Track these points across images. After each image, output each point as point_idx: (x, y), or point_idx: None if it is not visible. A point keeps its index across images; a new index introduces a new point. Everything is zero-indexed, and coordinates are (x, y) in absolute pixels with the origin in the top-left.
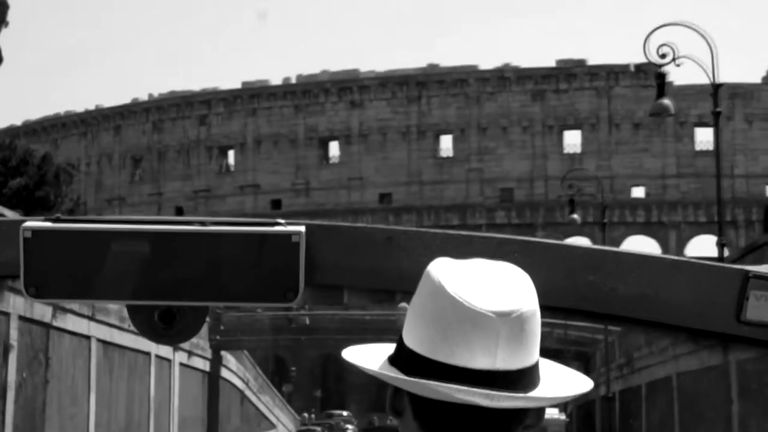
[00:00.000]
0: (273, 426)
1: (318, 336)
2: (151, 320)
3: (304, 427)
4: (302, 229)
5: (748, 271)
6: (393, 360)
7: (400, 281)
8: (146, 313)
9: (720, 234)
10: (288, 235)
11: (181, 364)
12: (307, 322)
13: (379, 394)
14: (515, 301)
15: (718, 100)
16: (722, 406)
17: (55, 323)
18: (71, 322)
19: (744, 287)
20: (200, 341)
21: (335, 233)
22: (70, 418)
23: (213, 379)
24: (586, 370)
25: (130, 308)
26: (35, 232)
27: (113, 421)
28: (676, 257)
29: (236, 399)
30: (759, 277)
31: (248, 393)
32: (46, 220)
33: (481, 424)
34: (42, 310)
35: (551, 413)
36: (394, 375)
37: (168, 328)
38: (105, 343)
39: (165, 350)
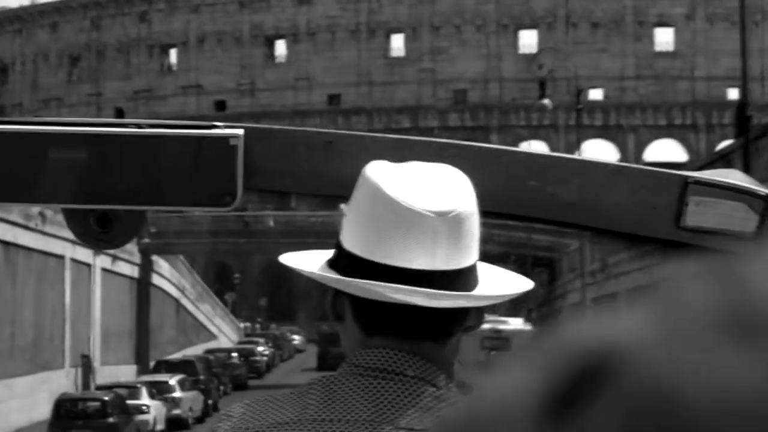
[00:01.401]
0: (214, 337)
1: (262, 239)
2: (87, 224)
3: (246, 338)
4: (240, 132)
5: (687, 177)
6: (332, 263)
7: (340, 186)
8: (82, 217)
9: None
10: (226, 138)
11: (104, 270)
12: (272, 224)
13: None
14: (453, 201)
15: None
16: None
17: None
18: None
19: (683, 193)
20: (127, 245)
21: (274, 136)
22: None
23: (142, 286)
24: (552, 278)
25: (65, 212)
26: None
27: (19, 334)
28: (617, 163)
29: (171, 308)
30: (698, 182)
31: (184, 301)
32: None
33: (421, 325)
34: None
35: (515, 324)
36: (332, 276)
37: (104, 232)
38: (5, 244)
39: (82, 253)
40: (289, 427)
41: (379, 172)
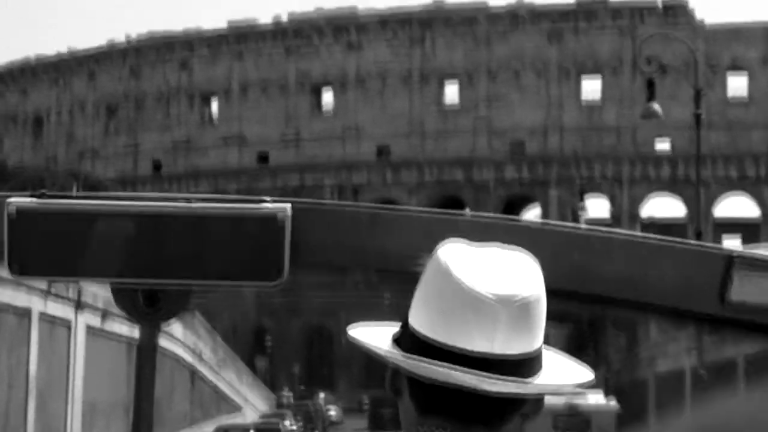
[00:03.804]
0: (238, 408)
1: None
2: (135, 301)
3: (274, 411)
4: (288, 207)
5: (732, 253)
6: (396, 339)
7: (384, 260)
8: (130, 293)
9: None
10: (274, 215)
11: (90, 329)
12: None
13: (367, 371)
14: (518, 287)
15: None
16: None
17: None
18: None
19: (728, 269)
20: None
21: (320, 212)
22: None
23: (145, 350)
24: (633, 342)
25: (114, 289)
26: (20, 209)
27: None
28: (661, 238)
29: (184, 377)
30: (743, 259)
31: (201, 368)
32: (31, 196)
33: (473, 408)
34: None
35: (595, 399)
36: (390, 352)
37: (152, 308)
38: None
39: (58, 308)
40: None
41: (449, 252)
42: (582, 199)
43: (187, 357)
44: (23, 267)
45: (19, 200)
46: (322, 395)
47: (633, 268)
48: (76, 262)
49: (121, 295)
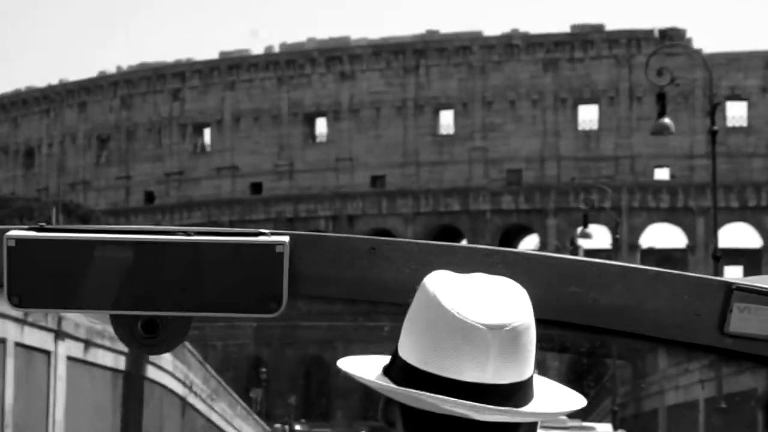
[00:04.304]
0: None
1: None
2: (134, 330)
3: None
4: (286, 239)
5: (731, 283)
6: (387, 370)
7: (383, 292)
8: (129, 322)
9: None
10: (272, 246)
11: (71, 359)
12: None
13: (365, 402)
14: (508, 314)
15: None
16: None
17: None
18: None
19: (727, 299)
20: (108, 327)
21: (319, 243)
22: None
23: (132, 381)
24: (638, 374)
25: (113, 318)
26: (19, 241)
27: None
28: (658, 269)
29: (174, 409)
30: (742, 289)
31: (192, 400)
32: (30, 229)
33: None
34: None
35: (604, 430)
36: (383, 384)
37: (151, 337)
38: None
39: (36, 337)
40: None
41: (437, 282)
42: (585, 226)
43: (178, 388)
44: (22, 299)
45: (17, 232)
46: (297, 427)
47: (630, 299)
48: (75, 293)
49: (120, 325)
